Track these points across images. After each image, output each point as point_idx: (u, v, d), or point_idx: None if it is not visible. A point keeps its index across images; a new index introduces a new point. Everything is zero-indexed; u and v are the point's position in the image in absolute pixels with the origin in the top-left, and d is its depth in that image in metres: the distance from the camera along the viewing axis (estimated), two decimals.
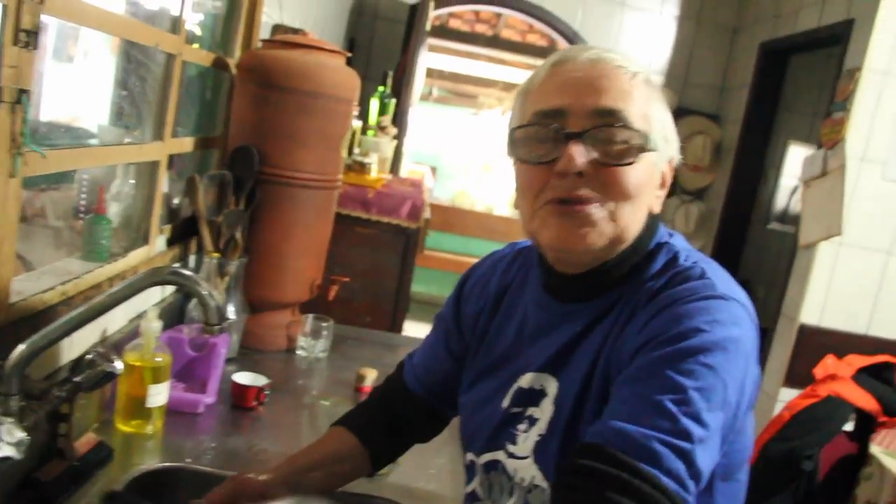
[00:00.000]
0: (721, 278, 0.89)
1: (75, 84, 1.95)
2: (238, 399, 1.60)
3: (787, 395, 3.09)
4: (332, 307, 2.43)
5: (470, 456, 1.07)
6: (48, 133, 1.82)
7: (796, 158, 3.91)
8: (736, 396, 0.82)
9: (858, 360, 2.70)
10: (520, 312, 1.04)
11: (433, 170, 8.89)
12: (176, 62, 1.59)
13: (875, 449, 2.45)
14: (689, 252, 0.96)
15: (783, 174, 4.45)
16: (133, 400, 1.41)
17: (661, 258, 0.94)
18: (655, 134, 0.91)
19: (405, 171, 4.18)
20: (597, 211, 0.89)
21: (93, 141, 1.74)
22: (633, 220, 0.91)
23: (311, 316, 1.97)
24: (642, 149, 0.89)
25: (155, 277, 1.02)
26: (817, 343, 3.16)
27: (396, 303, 2.64)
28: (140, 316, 1.56)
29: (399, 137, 3.28)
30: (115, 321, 1.49)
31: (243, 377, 1.62)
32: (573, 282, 0.96)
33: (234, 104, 1.90)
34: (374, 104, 3.20)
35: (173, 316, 1.77)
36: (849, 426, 2.60)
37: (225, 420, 1.56)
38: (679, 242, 0.98)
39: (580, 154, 0.87)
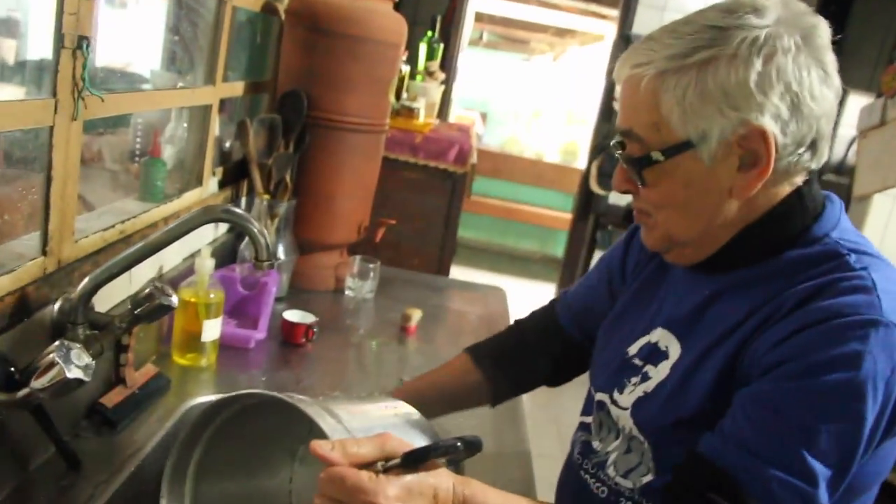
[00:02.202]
0: (892, 295, 0.80)
1: (128, 30, 2.00)
2: (287, 336, 1.67)
3: None
4: (379, 250, 2.48)
5: (591, 388, 1.09)
6: (105, 78, 1.87)
7: (855, 107, 3.80)
8: (876, 430, 0.79)
9: None
10: (670, 269, 1.04)
11: (483, 116, 8.82)
12: (226, 7, 1.62)
13: None
14: (859, 247, 0.87)
15: (841, 124, 4.33)
16: (188, 334, 1.48)
17: (816, 250, 0.87)
18: (684, 130, 0.85)
19: (453, 116, 4.18)
20: (648, 220, 0.94)
21: (146, 86, 1.79)
22: (686, 224, 0.90)
23: (358, 257, 2.02)
24: (652, 162, 0.87)
25: (208, 215, 1.07)
26: None
27: (443, 246, 2.68)
28: (194, 255, 1.63)
29: (447, 83, 3.29)
30: (171, 259, 1.55)
31: (293, 315, 1.69)
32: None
33: (283, 49, 1.93)
34: (423, 49, 3.20)
35: (226, 255, 1.83)
36: None
37: (275, 355, 1.62)
38: (846, 234, 0.89)
39: (617, 177, 0.93)
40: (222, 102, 1.90)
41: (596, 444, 1.04)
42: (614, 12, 5.12)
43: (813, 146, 0.86)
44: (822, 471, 0.77)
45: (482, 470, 0.94)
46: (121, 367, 1.28)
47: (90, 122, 1.18)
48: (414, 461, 0.75)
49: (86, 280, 1.05)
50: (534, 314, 1.30)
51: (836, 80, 0.86)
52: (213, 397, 1.39)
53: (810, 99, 0.83)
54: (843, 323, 0.77)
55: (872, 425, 0.78)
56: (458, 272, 5.46)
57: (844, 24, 4.03)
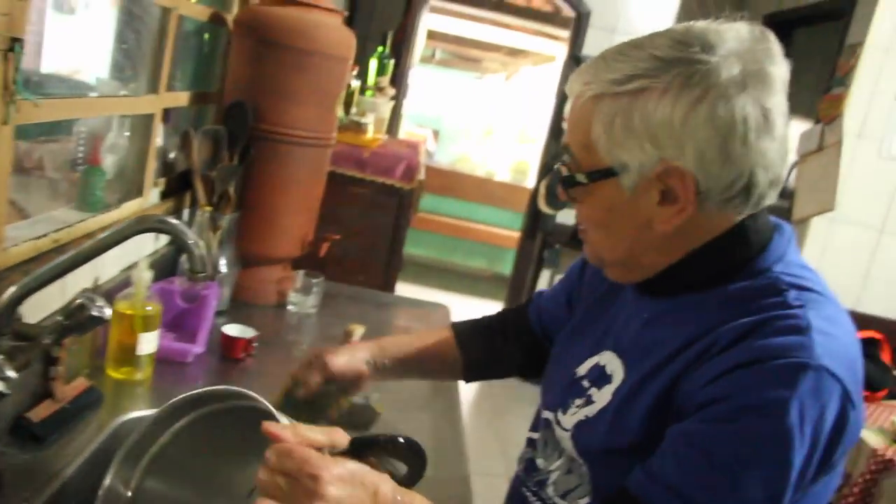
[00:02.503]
0: (827, 336, 0.79)
1: (76, 36, 1.95)
2: (227, 350, 1.64)
3: None
4: (324, 265, 2.45)
5: (540, 405, 1.11)
6: (47, 85, 1.83)
7: (795, 133, 3.91)
8: (805, 472, 0.78)
9: None
10: (623, 287, 1.03)
11: (435, 133, 8.86)
12: (172, 16, 1.60)
13: None
14: (802, 283, 0.85)
15: None
16: (123, 347, 1.44)
17: (757, 283, 0.86)
18: (608, 157, 0.85)
19: (405, 133, 4.19)
20: (584, 235, 0.96)
21: (92, 94, 1.76)
22: (609, 245, 0.92)
23: (302, 272, 2.00)
24: (575, 183, 0.88)
25: (142, 224, 1.04)
26: None
27: (389, 263, 2.67)
28: (132, 266, 1.59)
29: (397, 98, 3.29)
30: (108, 270, 1.52)
31: (232, 329, 1.66)
32: (646, 282, 0.96)
33: (230, 60, 1.91)
34: (373, 64, 3.21)
35: (166, 267, 1.80)
36: None
37: (213, 370, 1.59)
38: (790, 268, 0.88)
39: (559, 190, 0.93)
40: (167, 112, 1.87)
41: (540, 462, 1.05)
42: (565, 33, 5.19)
43: (747, 191, 0.83)
44: None
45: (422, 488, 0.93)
46: (50, 381, 1.24)
47: (24, 128, 1.15)
48: (360, 448, 0.78)
49: (12, 289, 1.01)
50: (517, 306, 1.36)
51: (780, 129, 0.82)
52: (148, 412, 1.36)
53: (741, 146, 0.80)
54: (773, 366, 0.77)
55: (801, 468, 0.78)
56: (405, 289, 5.45)
57: (787, 53, 4.14)
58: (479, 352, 1.29)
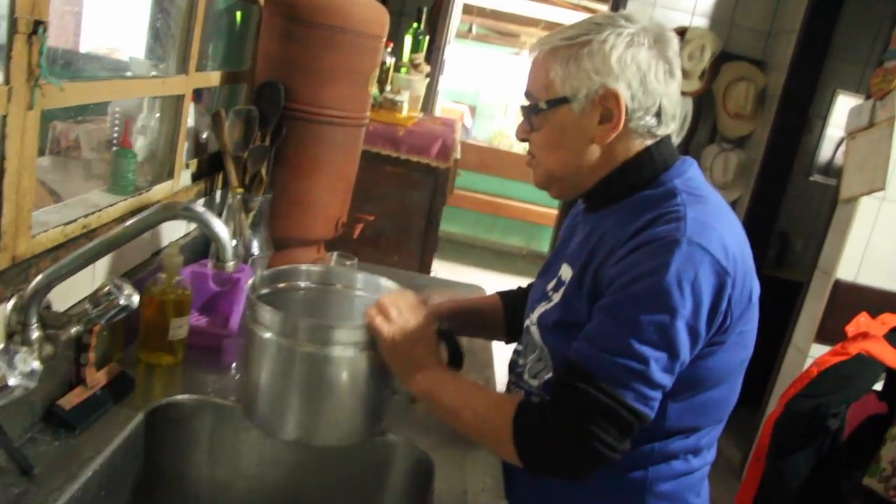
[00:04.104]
0: (698, 222, 1.07)
1: (114, 14, 1.94)
2: None
3: (818, 351, 3.04)
4: (359, 245, 2.43)
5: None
6: (83, 64, 1.81)
7: (844, 109, 3.78)
8: (696, 323, 1.04)
9: (893, 319, 2.65)
10: (581, 220, 1.31)
11: (472, 109, 8.78)
12: None
13: None
14: (693, 191, 1.15)
15: (829, 125, 4.32)
16: (155, 332, 1.43)
17: (659, 190, 1.15)
18: (563, 89, 1.15)
19: (440, 109, 4.13)
20: (532, 162, 1.26)
21: (127, 74, 1.74)
22: (559, 161, 1.21)
23: (335, 253, 1.96)
24: (538, 110, 1.18)
25: (167, 213, 1.02)
26: (852, 300, 3.10)
27: (424, 243, 2.64)
28: (163, 250, 1.58)
29: (432, 75, 3.23)
30: (139, 255, 1.50)
31: None
32: (585, 199, 1.27)
33: (260, 39, 1.88)
34: (408, 41, 3.15)
35: (198, 250, 1.78)
36: (878, 385, 2.56)
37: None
38: (689, 182, 1.17)
39: (518, 129, 1.26)
40: (199, 92, 1.85)
41: (520, 360, 1.32)
42: (604, 7, 5.08)
43: (658, 115, 1.16)
44: (651, 354, 1.02)
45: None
46: (81, 367, 1.23)
47: (50, 111, 1.13)
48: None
49: (39, 277, 1.00)
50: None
51: (679, 75, 1.17)
52: (179, 396, 1.36)
53: (654, 80, 1.13)
54: (655, 245, 1.05)
55: (689, 319, 1.03)
56: (441, 267, 5.43)
57: (834, 25, 4.00)
58: (520, 315, 1.42)
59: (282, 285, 1.31)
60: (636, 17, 1.17)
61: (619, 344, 1.03)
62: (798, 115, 4.13)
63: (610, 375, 1.03)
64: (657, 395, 1.05)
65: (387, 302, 1.21)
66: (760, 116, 4.32)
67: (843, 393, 2.48)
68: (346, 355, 1.16)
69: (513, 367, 1.36)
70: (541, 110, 1.18)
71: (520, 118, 1.25)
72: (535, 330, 1.25)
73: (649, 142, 1.19)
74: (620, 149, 1.18)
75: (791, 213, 4.37)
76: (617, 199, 1.20)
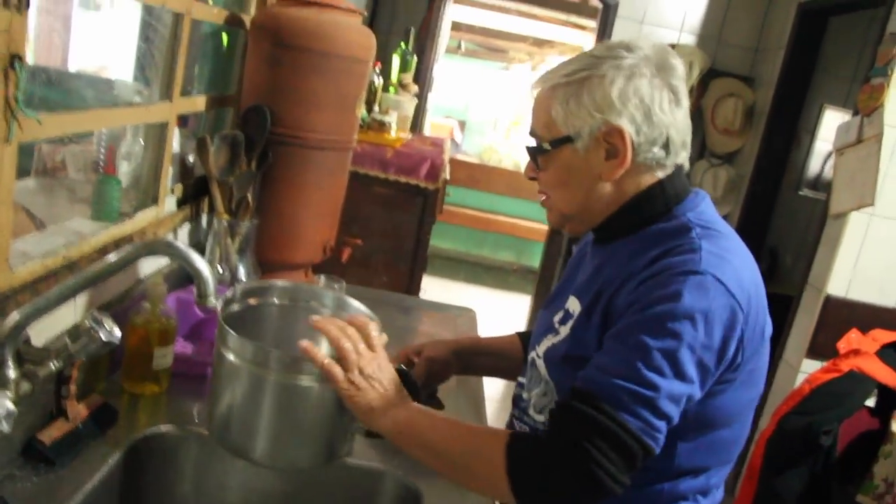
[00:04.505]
0: (716, 256, 1.06)
1: (102, 33, 1.93)
2: None
3: (810, 367, 3.04)
4: (348, 268, 2.42)
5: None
6: (71, 84, 1.80)
7: (832, 124, 3.79)
8: (702, 354, 1.01)
9: (884, 336, 2.64)
10: (587, 253, 1.30)
11: (461, 124, 8.78)
12: (184, 21, 1.55)
13: None
14: (707, 224, 1.13)
15: (817, 139, 4.33)
16: (139, 361, 1.41)
17: (673, 224, 1.13)
18: (566, 128, 1.13)
19: (430, 124, 4.12)
20: (546, 202, 1.23)
21: (114, 93, 1.72)
22: (568, 200, 1.19)
23: (323, 276, 1.95)
24: (543, 151, 1.16)
25: (149, 249, 1.01)
26: (843, 315, 3.09)
27: (413, 263, 2.63)
28: (148, 278, 1.56)
29: (421, 94, 3.23)
30: (122, 284, 1.48)
31: None
32: (595, 231, 1.24)
33: (247, 63, 1.87)
34: (396, 61, 3.15)
35: (183, 276, 1.76)
36: (871, 402, 2.56)
37: None
38: (702, 216, 1.15)
39: (526, 168, 1.24)
40: (185, 117, 1.83)
41: (524, 395, 1.28)
42: (592, 23, 5.09)
43: (666, 147, 1.13)
44: (658, 381, 0.98)
45: None
46: (62, 399, 1.21)
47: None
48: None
49: (15, 315, 0.98)
50: None
51: (685, 104, 1.14)
52: (163, 427, 1.33)
53: (659, 111, 1.10)
54: (669, 273, 1.03)
55: (700, 351, 1.00)
56: (431, 283, 5.41)
57: (821, 42, 4.02)
58: None
59: (252, 301, 1.29)
60: (637, 44, 1.13)
61: (626, 368, 0.99)
62: (786, 130, 4.14)
63: (612, 398, 0.99)
64: (662, 425, 1.00)
65: (342, 344, 1.10)
66: (749, 132, 4.34)
67: (836, 410, 2.47)
68: (313, 384, 1.13)
69: (517, 401, 1.31)
70: (545, 151, 1.16)
71: (525, 156, 1.23)
72: (540, 363, 1.22)
73: (660, 174, 1.15)
74: (630, 183, 1.15)
75: (780, 227, 4.37)
76: (628, 232, 1.17)
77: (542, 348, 1.22)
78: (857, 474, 2.45)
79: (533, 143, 1.18)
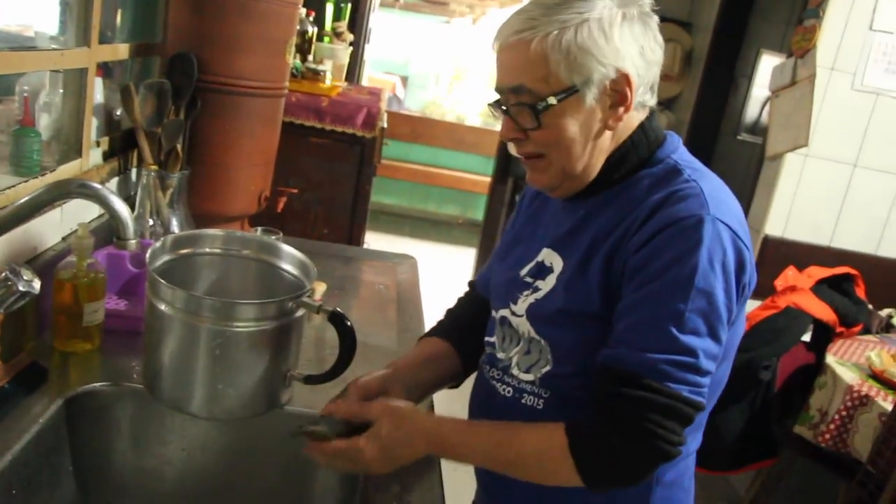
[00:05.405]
0: (715, 198, 1.04)
1: None
2: None
3: (750, 305, 3.11)
4: (287, 219, 2.37)
5: (492, 311, 1.27)
6: None
7: (769, 68, 3.83)
8: (729, 301, 1.01)
9: (818, 272, 2.72)
10: (549, 204, 1.24)
11: (403, 80, 8.69)
12: None
13: (830, 359, 2.48)
14: (692, 164, 1.12)
15: (755, 84, 4.37)
16: (69, 318, 1.36)
17: (660, 168, 1.10)
18: (570, 79, 1.04)
19: (367, 79, 4.06)
20: (539, 162, 1.11)
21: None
22: (572, 158, 1.09)
23: (259, 229, 1.91)
24: (547, 107, 1.05)
25: (60, 190, 0.96)
26: (780, 254, 3.17)
27: (354, 214, 2.59)
28: (73, 233, 1.50)
29: (357, 44, 3.16)
30: (48, 239, 1.43)
31: None
32: None
33: (171, 8, 1.80)
34: (329, 9, 3.07)
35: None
36: (807, 337, 2.63)
37: None
38: (683, 156, 1.13)
39: (506, 128, 1.11)
40: (109, 68, 1.76)
41: (500, 355, 1.22)
42: None
43: (652, 88, 1.10)
44: (697, 343, 0.98)
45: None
46: None
47: None
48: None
49: None
50: (460, 299, 1.45)
51: (661, 39, 1.10)
52: (98, 384, 1.29)
53: (650, 51, 1.07)
54: (679, 226, 1.00)
55: (724, 299, 1.00)
56: (376, 238, 5.38)
57: None
58: (468, 340, 1.34)
59: (183, 252, 1.25)
60: None
61: (662, 340, 0.98)
62: (724, 75, 4.18)
63: (656, 372, 0.98)
64: (706, 381, 1.00)
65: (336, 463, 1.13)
66: (688, 77, 4.37)
67: (774, 345, 2.54)
68: (248, 328, 1.11)
69: (493, 362, 1.24)
70: (550, 106, 1.05)
71: (488, 110, 1.14)
72: (520, 322, 1.17)
73: (642, 116, 1.12)
74: (621, 128, 1.11)
75: (720, 172, 4.33)
76: (614, 182, 1.12)
77: (520, 306, 1.17)
78: (795, 408, 2.53)
79: (522, 99, 1.06)
